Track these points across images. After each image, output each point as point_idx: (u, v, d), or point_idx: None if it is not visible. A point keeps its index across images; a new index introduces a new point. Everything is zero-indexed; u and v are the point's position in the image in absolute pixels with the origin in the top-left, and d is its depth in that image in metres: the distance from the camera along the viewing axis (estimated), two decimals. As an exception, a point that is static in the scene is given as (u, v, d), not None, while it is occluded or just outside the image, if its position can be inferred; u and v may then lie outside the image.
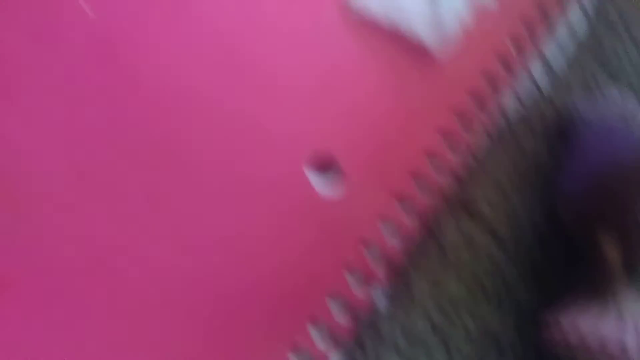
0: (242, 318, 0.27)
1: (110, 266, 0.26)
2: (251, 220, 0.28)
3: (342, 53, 0.30)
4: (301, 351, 0.27)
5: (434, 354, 0.30)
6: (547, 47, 0.34)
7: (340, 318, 0.27)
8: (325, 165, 0.29)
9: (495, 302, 0.31)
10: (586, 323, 0.27)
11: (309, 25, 0.30)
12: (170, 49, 0.28)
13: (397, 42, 0.30)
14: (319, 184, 0.29)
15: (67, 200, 0.26)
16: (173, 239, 0.27)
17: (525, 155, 0.34)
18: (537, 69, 0.34)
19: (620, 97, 0.35)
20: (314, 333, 0.27)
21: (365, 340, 0.29)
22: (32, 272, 0.25)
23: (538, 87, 0.34)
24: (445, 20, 0.31)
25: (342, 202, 0.29)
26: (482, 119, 0.31)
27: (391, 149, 0.30)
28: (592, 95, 0.35)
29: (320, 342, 0.27)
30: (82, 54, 0.26)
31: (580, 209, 0.30)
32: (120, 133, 0.27)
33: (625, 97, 0.35)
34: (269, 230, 0.28)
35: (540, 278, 0.32)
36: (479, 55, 0.32)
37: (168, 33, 0.28)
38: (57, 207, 0.26)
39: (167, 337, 0.26)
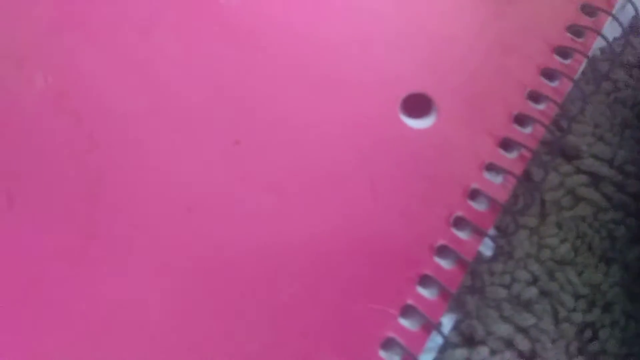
0: (344, 280, 0.23)
1: (194, 212, 0.23)
2: (346, 166, 0.25)
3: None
4: (411, 313, 0.23)
5: (541, 320, 0.26)
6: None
7: (449, 275, 0.23)
8: (421, 107, 0.26)
9: (603, 261, 0.27)
10: None
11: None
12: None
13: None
14: (415, 127, 0.25)
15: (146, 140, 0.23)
16: (262, 183, 0.24)
17: (625, 99, 0.30)
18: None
19: None
20: (423, 292, 0.23)
21: (469, 302, 0.25)
22: (114, 220, 0.22)
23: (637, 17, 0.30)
24: None
25: (442, 147, 0.25)
26: (580, 54, 0.27)
27: (489, 87, 0.27)
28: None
29: (430, 303, 0.23)
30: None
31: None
32: (205, 73, 0.25)
33: None
34: (367, 178, 0.24)
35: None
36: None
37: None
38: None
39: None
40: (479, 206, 0.25)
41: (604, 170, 0.29)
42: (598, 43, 0.29)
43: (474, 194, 0.25)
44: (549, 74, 0.27)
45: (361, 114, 0.25)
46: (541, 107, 0.27)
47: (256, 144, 0.25)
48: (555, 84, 0.27)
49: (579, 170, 0.28)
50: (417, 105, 0.26)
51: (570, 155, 0.29)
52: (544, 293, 0.27)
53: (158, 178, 0.23)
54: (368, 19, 0.26)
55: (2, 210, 0.21)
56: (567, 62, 0.28)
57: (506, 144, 0.26)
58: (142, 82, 0.24)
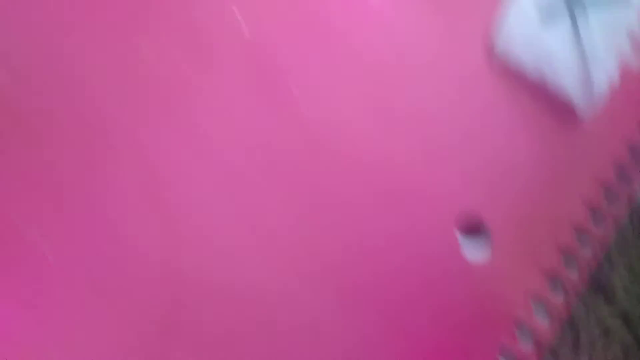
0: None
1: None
2: (397, 279, 0.25)
3: (487, 103, 0.28)
4: None
5: None
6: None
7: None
8: (474, 229, 0.26)
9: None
10: None
11: (455, 70, 0.28)
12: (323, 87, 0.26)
13: (543, 95, 0.28)
14: (467, 248, 0.26)
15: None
16: (325, 286, 0.24)
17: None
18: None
19: None
20: None
21: None
22: (194, 325, 0.22)
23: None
24: (594, 78, 0.28)
25: (492, 272, 0.26)
26: (624, 194, 0.28)
27: (539, 217, 0.27)
28: None
29: None
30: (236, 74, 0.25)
31: None
32: (269, 160, 0.25)
33: None
34: (417, 294, 0.25)
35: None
36: (622, 120, 0.30)
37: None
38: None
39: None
40: (525, 341, 0.25)
41: (637, 310, 0.29)
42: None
43: (521, 328, 0.25)
44: (596, 214, 0.28)
45: (419, 229, 0.26)
46: (586, 246, 0.27)
47: (319, 246, 0.25)
48: (600, 225, 0.28)
49: (613, 309, 0.29)
50: (472, 227, 0.27)
51: (606, 293, 0.29)
52: None
53: (235, 287, 0.23)
54: (435, 138, 0.27)
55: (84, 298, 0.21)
56: (614, 205, 0.29)
57: (553, 280, 0.27)
58: (220, 178, 0.25)
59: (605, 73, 0.29)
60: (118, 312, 0.22)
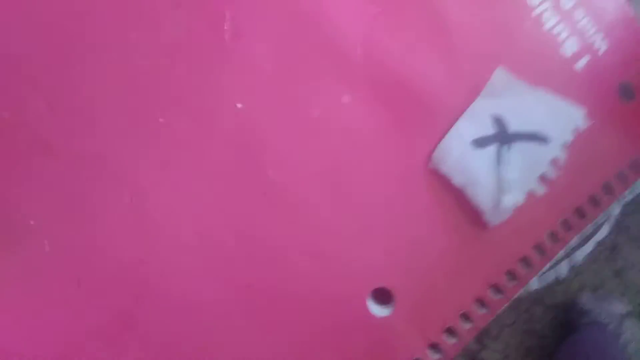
0: None
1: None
2: (312, 323, 0.33)
3: (417, 199, 0.36)
4: None
5: None
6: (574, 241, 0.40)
7: None
8: (382, 293, 0.34)
9: None
10: None
11: (397, 170, 0.36)
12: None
13: (463, 201, 0.36)
14: (374, 307, 0.34)
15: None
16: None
17: (535, 330, 0.39)
18: (563, 261, 0.39)
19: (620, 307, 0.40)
20: None
21: None
22: (150, 315, 0.30)
23: (558, 276, 0.39)
24: (503, 197, 0.36)
25: (388, 330, 0.33)
26: (508, 290, 0.36)
27: (436, 301, 0.35)
28: (599, 296, 0.41)
29: None
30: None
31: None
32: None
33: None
34: (325, 335, 0.33)
35: None
36: (520, 235, 0.38)
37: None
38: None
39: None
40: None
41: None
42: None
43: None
44: (481, 303, 0.36)
45: (338, 286, 0.34)
46: (468, 326, 0.36)
47: (258, 277, 0.33)
48: (484, 311, 0.36)
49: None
50: (381, 292, 0.35)
51: (480, 363, 0.38)
52: None
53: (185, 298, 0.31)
54: (369, 219, 0.35)
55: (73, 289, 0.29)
56: (498, 297, 0.37)
57: (435, 347, 0.35)
58: (190, 206, 0.32)
59: (513, 195, 0.37)
60: (89, 299, 0.30)
